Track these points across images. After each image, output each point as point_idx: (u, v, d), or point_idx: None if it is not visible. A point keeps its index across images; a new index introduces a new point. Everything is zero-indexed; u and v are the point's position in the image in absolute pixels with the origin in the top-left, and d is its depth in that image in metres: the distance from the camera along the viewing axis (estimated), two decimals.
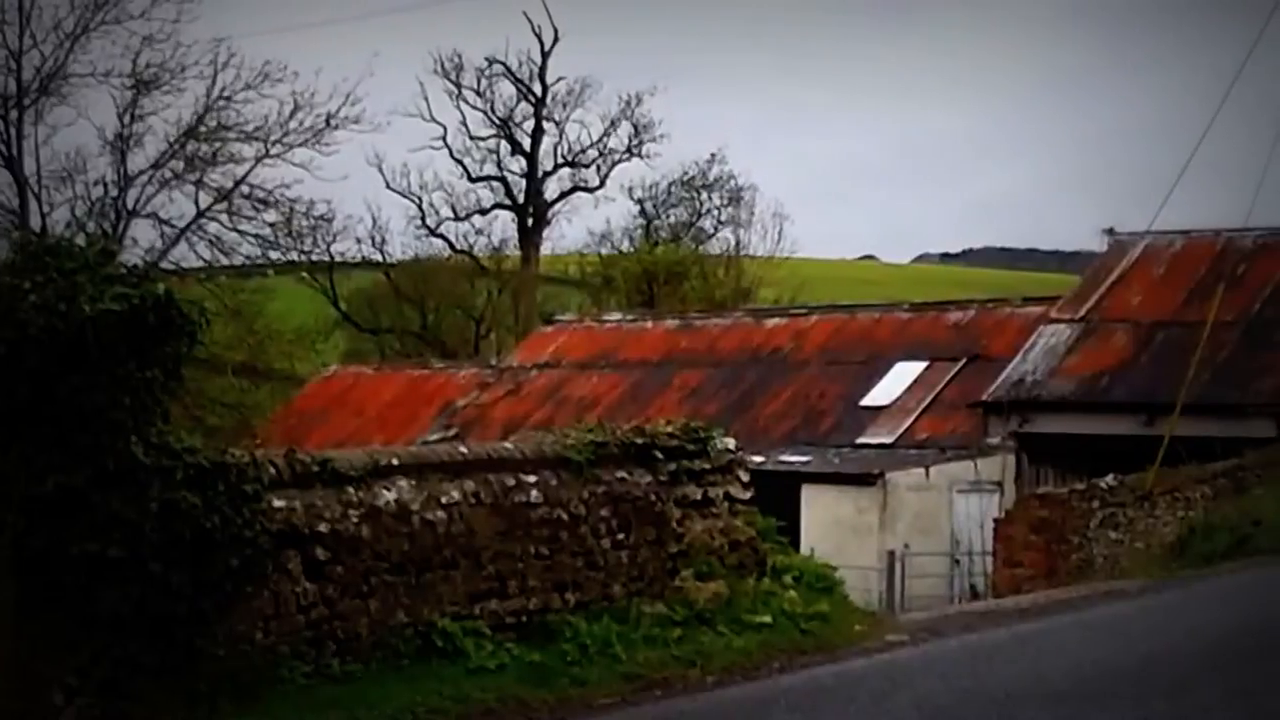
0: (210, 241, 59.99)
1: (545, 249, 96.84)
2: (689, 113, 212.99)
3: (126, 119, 56.22)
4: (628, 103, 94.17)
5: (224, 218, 60.65)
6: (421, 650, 16.20)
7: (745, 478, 20.21)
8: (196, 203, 56.69)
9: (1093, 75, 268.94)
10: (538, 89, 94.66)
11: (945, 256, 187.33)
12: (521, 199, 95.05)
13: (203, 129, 56.71)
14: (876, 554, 43.09)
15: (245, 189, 58.49)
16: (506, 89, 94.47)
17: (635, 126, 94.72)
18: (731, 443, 20.13)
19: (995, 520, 37.55)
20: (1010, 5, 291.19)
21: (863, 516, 43.96)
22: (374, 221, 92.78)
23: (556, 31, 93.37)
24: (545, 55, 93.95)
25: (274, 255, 77.69)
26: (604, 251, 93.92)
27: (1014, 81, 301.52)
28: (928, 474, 44.83)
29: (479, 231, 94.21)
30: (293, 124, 58.23)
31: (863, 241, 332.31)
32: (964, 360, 51.04)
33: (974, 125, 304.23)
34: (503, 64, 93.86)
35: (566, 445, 18.10)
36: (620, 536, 18.30)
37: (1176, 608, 21.14)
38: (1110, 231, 51.58)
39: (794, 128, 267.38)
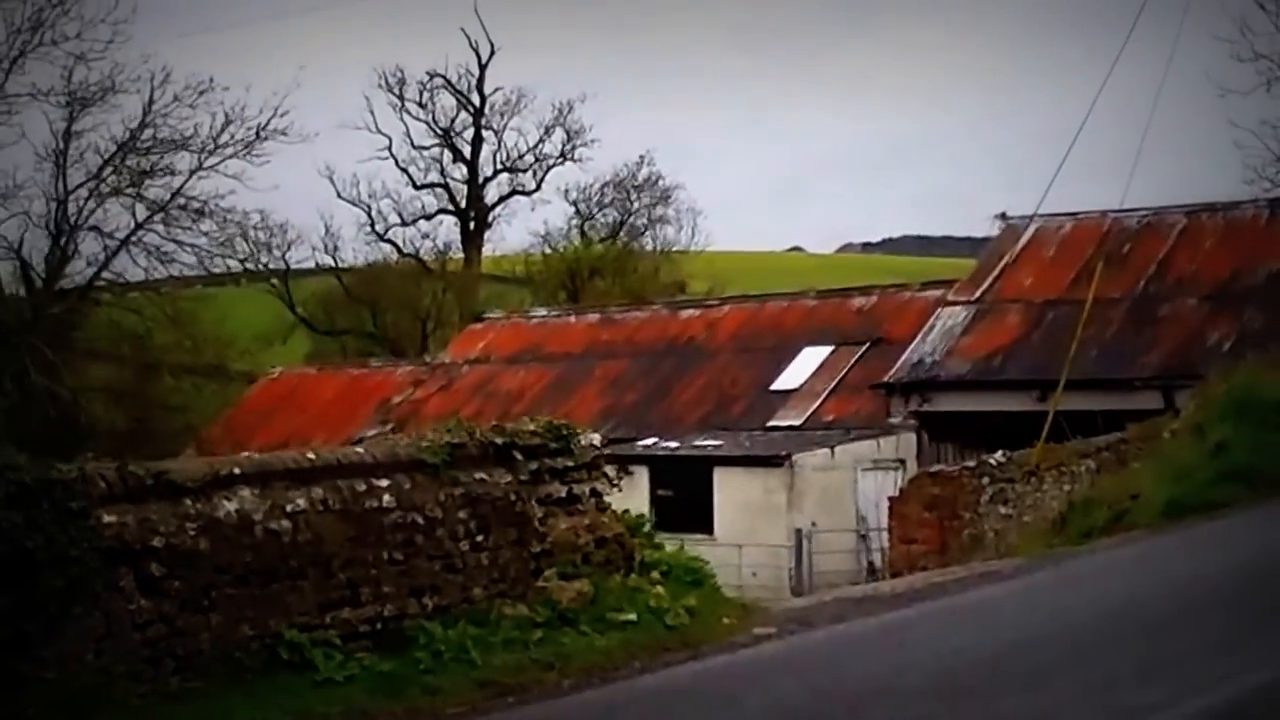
0: (149, 252, 57.87)
1: (487, 250, 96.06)
2: (620, 118, 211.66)
3: (63, 136, 54.36)
4: (560, 110, 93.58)
5: (162, 229, 58.42)
6: (268, 664, 14.63)
7: (612, 473, 18.60)
8: (134, 215, 54.88)
9: (1012, 75, 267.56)
10: (476, 100, 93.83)
11: (866, 246, 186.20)
12: (464, 204, 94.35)
13: (139, 143, 54.82)
14: (786, 533, 41.80)
15: (182, 200, 56.51)
16: (447, 100, 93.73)
17: (568, 132, 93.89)
18: (596, 439, 18.52)
19: (890, 499, 36.03)
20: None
21: (771, 497, 42.58)
22: (326, 229, 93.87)
23: (493, 45, 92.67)
24: (483, 68, 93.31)
25: (232, 264, 77.23)
26: (545, 251, 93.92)
27: (941, 86, 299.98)
28: (833, 454, 43.45)
29: (425, 236, 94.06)
30: (224, 136, 56.52)
31: (790, 235, 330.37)
32: (868, 344, 49.74)
33: (898, 126, 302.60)
34: (443, 77, 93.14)
35: (421, 447, 16.52)
36: (480, 538, 16.72)
37: (1046, 590, 19.62)
38: (1003, 216, 50.02)
39: (726, 131, 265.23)
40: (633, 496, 44.73)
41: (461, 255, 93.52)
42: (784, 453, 43.03)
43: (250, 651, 14.56)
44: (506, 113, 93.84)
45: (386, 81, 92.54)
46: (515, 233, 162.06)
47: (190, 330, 62.73)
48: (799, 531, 41.10)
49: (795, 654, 16.52)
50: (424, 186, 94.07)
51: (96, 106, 55.00)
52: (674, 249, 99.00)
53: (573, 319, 59.93)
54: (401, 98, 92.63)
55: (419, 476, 16.30)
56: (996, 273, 47.89)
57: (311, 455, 15.84)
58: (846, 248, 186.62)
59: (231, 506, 14.58)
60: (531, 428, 17.90)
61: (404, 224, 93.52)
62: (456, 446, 16.76)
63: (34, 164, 57.76)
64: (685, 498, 43.75)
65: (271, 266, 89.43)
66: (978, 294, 47.29)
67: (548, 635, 16.38)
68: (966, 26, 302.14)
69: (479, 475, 16.89)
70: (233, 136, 57.02)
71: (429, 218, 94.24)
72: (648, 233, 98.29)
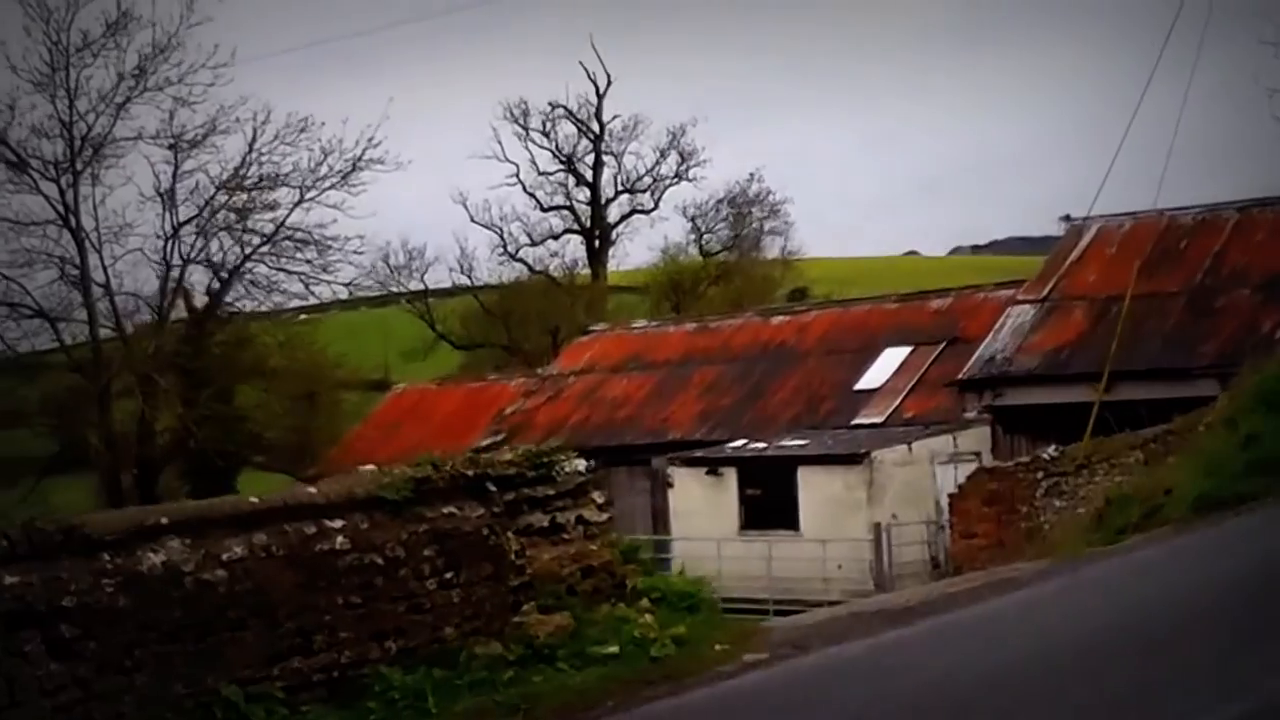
0: (254, 283, 56.02)
1: (611, 265, 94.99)
2: (741, 133, 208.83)
3: (171, 176, 52.74)
4: (674, 134, 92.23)
5: (269, 259, 56.63)
6: None
7: (600, 499, 16.39)
8: (241, 246, 53.16)
9: (1107, 83, 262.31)
10: (596, 127, 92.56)
11: (976, 248, 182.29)
12: (588, 224, 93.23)
13: (246, 179, 53.17)
14: (867, 527, 39.42)
15: (287, 230, 54.72)
16: (568, 128, 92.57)
17: (681, 154, 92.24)
18: (582, 465, 16.32)
19: (950, 495, 33.69)
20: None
21: (852, 493, 40.24)
22: (461, 251, 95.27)
23: (609, 75, 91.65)
24: (600, 97, 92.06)
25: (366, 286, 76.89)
26: (663, 264, 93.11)
27: (1042, 94, 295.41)
28: (910, 449, 40.98)
29: (554, 254, 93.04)
30: (323, 169, 54.57)
31: (907, 240, 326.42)
32: (944, 343, 47.29)
33: (1007, 133, 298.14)
34: (564, 107, 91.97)
35: (382, 484, 14.44)
36: (450, 575, 14.58)
37: (1056, 602, 17.22)
38: (1067, 218, 47.46)
39: (848, 142, 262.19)
40: (722, 496, 42.88)
41: (588, 271, 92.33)
42: (863, 450, 40.66)
43: (183, 712, 12.48)
44: (624, 138, 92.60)
45: (511, 113, 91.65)
46: (637, 248, 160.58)
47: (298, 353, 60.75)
48: (877, 525, 38.75)
49: (779, 685, 14.27)
50: (551, 209, 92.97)
51: (200, 148, 53.05)
52: (794, 256, 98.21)
53: (672, 328, 57.79)
54: (526, 128, 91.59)
55: (378, 515, 14.21)
56: (1062, 271, 45.35)
57: (255, 499, 13.80)
58: (957, 250, 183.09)
59: (157, 559, 12.51)
60: (508, 457, 15.80)
61: (533, 244, 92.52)
62: (421, 482, 14.70)
63: (139, 204, 55.92)
64: (771, 496, 41.68)
65: (412, 288, 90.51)
66: (1045, 292, 44.77)
67: (520, 675, 14.23)
68: (1071, 37, 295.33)
69: (448, 510, 14.80)
70: (330, 168, 54.85)
71: (556, 237, 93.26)
72: (762, 243, 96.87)
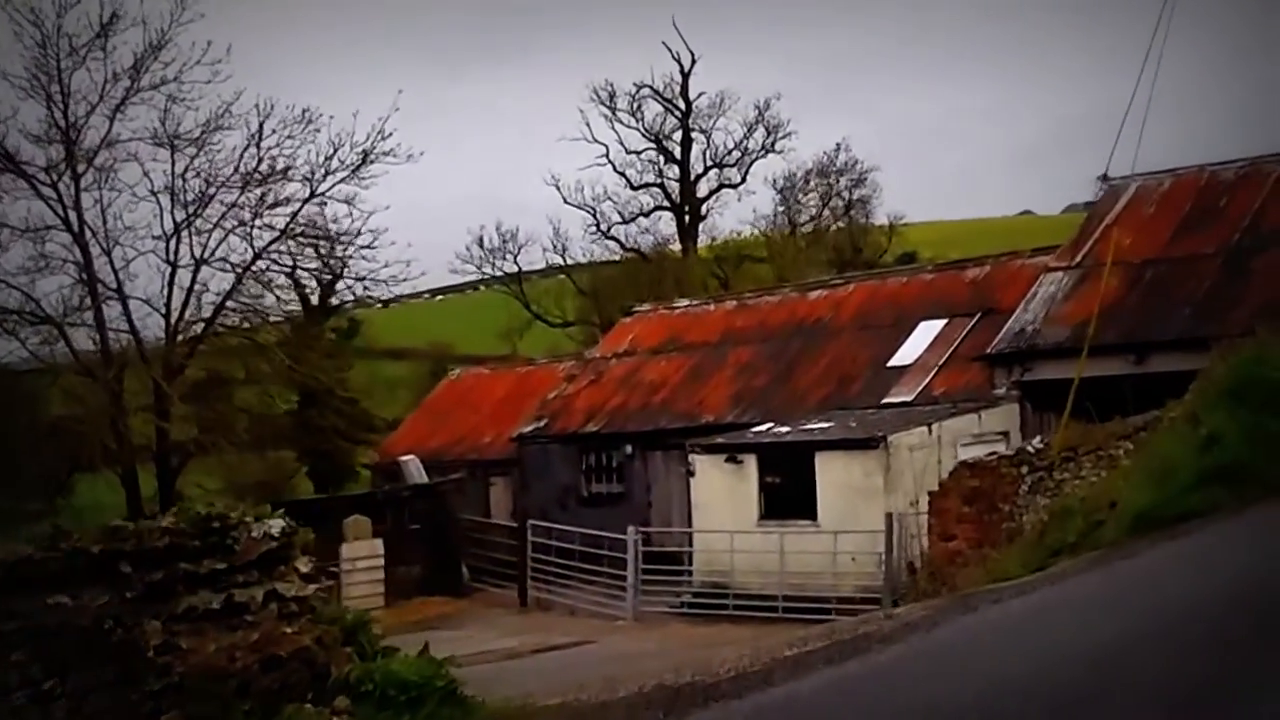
0: (262, 281, 52.48)
1: (702, 240, 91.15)
2: (823, 107, 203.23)
3: (178, 175, 49.29)
4: (760, 109, 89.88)
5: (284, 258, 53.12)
6: None
7: (306, 567, 12.50)
8: (251, 244, 49.68)
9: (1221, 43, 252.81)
10: (682, 105, 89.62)
11: (1088, 205, 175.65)
12: (678, 199, 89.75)
13: (256, 174, 49.69)
14: (883, 516, 35.10)
15: (298, 226, 51.13)
16: (654, 108, 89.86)
17: (767, 128, 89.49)
18: (278, 526, 12.44)
19: (930, 493, 29.38)
20: None
21: (869, 480, 35.94)
22: (555, 232, 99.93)
23: (693, 54, 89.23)
24: (686, 76, 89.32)
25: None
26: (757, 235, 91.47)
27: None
28: (930, 431, 36.62)
29: (645, 231, 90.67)
30: (334, 163, 51.07)
31: (1022, 199, 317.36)
32: (979, 315, 42.75)
33: (1120, 92, 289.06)
34: (650, 87, 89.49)
35: None
36: (50, 685, 10.85)
37: (953, 648, 13.13)
38: (1104, 178, 42.52)
39: (962, 107, 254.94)
40: (742, 485, 38.79)
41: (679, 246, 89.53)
42: (879, 434, 36.37)
43: None
44: (712, 115, 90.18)
45: (598, 95, 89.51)
46: (727, 222, 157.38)
47: None
48: (889, 515, 34.42)
49: None
50: (640, 187, 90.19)
51: (201, 144, 49.70)
52: (901, 221, 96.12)
53: (711, 307, 53.47)
54: (613, 109, 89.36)
55: None
56: (1097, 235, 40.47)
57: None
58: (1071, 208, 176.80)
59: None
60: (165, 523, 11.97)
61: (624, 222, 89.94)
62: (14, 565, 10.98)
63: (140, 204, 52.83)
64: (790, 484, 37.60)
65: (507, 270, 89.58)
66: (1078, 258, 40.06)
67: None
68: None
69: (55, 600, 11.07)
70: (342, 161, 51.39)
71: (647, 214, 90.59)
72: (870, 208, 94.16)
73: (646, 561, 39.10)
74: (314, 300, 67.65)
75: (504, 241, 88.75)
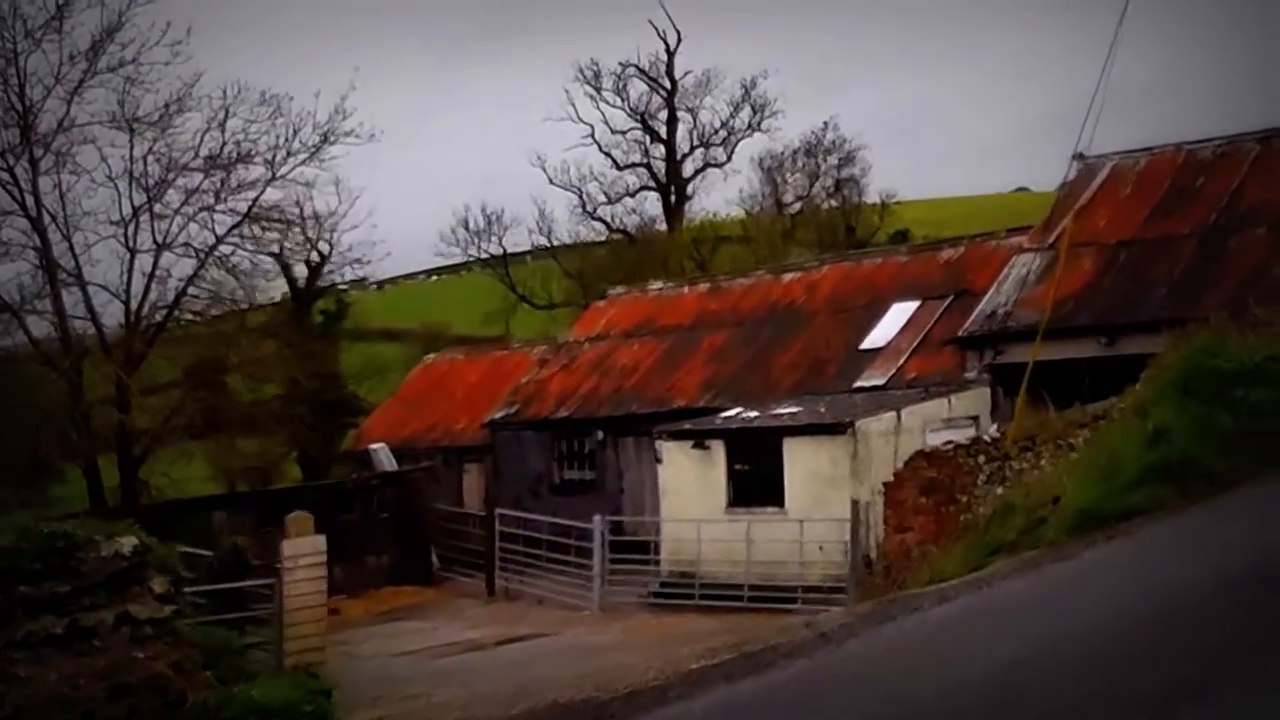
0: (224, 267, 51.49)
1: (689, 218, 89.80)
2: (811, 85, 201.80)
3: (138, 158, 48.42)
4: (746, 87, 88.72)
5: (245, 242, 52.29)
6: None
7: (161, 587, 11.62)
8: (213, 229, 48.80)
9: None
10: (668, 84, 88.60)
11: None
12: (664, 179, 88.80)
13: (220, 158, 48.71)
14: (851, 504, 34.15)
15: (259, 209, 50.21)
16: (640, 87, 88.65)
17: (753, 107, 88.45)
18: (130, 544, 11.56)
19: (884, 484, 28.43)
20: None
21: (836, 467, 34.95)
22: (541, 213, 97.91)
23: (679, 33, 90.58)
24: (671, 55, 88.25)
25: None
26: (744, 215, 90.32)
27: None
28: (899, 416, 35.66)
29: (632, 211, 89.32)
30: (295, 144, 50.25)
31: (1018, 176, 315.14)
32: (951, 297, 41.78)
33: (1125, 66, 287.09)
34: (635, 66, 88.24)
35: None
36: None
37: (859, 662, 12.21)
38: (1080, 156, 41.39)
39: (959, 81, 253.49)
40: (711, 472, 37.83)
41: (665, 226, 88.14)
42: (846, 420, 35.40)
43: None
44: (697, 94, 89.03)
45: (583, 74, 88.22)
46: (713, 202, 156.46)
47: None
48: (855, 503, 33.45)
49: None
50: (626, 167, 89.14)
51: (160, 126, 48.78)
52: (894, 199, 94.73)
53: (685, 290, 52.45)
54: (598, 88, 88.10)
55: None
56: (1070, 215, 39.42)
57: None
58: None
59: None
60: (1, 543, 11.10)
61: (610, 202, 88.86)
62: None
63: (108, 187, 52.01)
64: (758, 471, 36.62)
65: (492, 253, 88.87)
66: (1051, 239, 39.03)
67: None
68: None
69: None
70: (303, 143, 50.52)
71: (633, 194, 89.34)
72: (840, 191, 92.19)
73: (616, 550, 38.26)
74: (300, 284, 67.10)
75: (489, 223, 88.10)
